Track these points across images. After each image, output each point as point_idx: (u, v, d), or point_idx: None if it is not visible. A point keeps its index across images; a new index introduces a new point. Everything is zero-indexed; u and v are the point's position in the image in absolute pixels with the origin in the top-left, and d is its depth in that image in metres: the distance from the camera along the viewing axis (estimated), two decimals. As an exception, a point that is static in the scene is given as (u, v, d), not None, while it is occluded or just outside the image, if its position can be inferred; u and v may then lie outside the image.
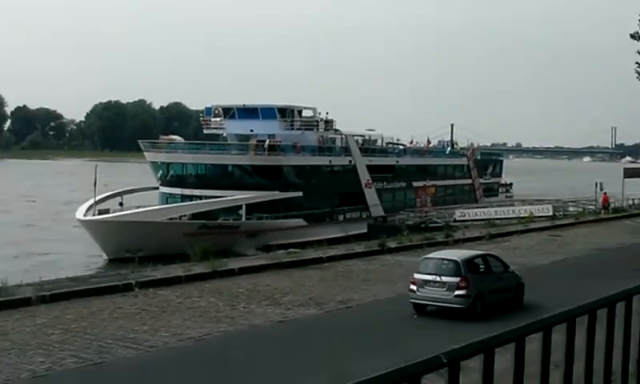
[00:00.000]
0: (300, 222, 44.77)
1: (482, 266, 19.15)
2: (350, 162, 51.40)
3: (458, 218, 50.26)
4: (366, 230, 45.77)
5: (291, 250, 29.26)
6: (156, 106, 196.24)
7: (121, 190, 47.03)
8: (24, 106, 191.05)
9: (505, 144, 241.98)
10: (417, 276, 18.39)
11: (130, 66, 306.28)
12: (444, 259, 19.05)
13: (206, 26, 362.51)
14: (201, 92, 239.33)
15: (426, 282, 18.12)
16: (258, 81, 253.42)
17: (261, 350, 15.11)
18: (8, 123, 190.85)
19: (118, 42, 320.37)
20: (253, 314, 18.03)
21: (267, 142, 46.82)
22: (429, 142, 70.58)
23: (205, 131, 53.90)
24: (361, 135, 57.34)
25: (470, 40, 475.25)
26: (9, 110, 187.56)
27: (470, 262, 18.85)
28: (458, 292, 17.68)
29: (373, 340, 15.47)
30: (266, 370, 13.40)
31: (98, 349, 14.61)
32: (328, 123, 52.67)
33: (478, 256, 20.00)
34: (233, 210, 43.39)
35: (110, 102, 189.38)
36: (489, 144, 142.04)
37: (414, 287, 18.23)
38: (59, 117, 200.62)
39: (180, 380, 13.06)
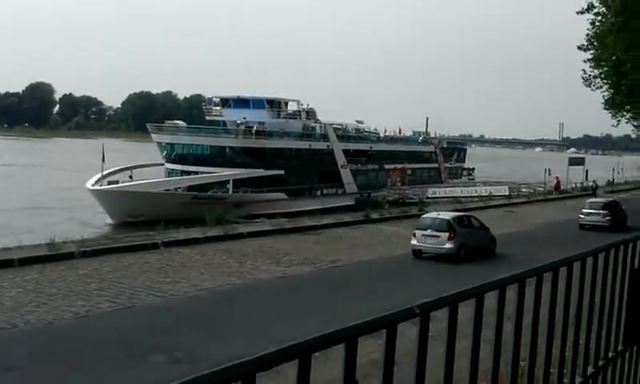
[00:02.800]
0: (281, 195, 45.01)
1: (466, 223, 21.50)
2: (328, 146, 51.72)
3: (429, 196, 50.46)
4: (349, 203, 46.21)
5: (284, 219, 29.25)
6: (180, 96, 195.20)
7: (131, 165, 46.98)
8: (70, 93, 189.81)
9: (470, 135, 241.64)
10: (416, 231, 20.71)
11: (160, 60, 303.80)
12: (437, 218, 21.25)
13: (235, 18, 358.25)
14: (223, 83, 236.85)
15: (424, 234, 20.36)
16: (276, 74, 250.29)
17: (264, 299, 15.19)
18: (57, 108, 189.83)
19: (153, 43, 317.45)
20: (258, 270, 18.10)
21: (255, 127, 47.16)
22: (400, 131, 70.92)
23: (207, 118, 54.13)
24: (339, 124, 57.85)
25: (442, 42, 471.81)
26: (57, 96, 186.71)
27: (456, 219, 21.26)
28: (447, 242, 19.90)
29: (355, 292, 15.55)
30: (267, 315, 13.46)
31: (130, 295, 14.66)
32: (309, 113, 53.43)
33: (462, 216, 22.58)
34: (222, 184, 43.59)
35: (143, 92, 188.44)
36: (457, 135, 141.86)
37: (414, 239, 20.48)
38: (100, 103, 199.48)
39: (196, 320, 13.12)
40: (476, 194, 50.13)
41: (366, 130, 63.52)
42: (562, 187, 53.75)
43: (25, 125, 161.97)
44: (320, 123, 53.96)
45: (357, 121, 64.09)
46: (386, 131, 68.73)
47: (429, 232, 20.35)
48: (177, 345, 11.25)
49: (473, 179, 69.71)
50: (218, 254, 19.99)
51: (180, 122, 54.50)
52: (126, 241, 20.94)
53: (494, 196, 48.14)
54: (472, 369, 2.73)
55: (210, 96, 55.97)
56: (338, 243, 23.37)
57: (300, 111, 53.29)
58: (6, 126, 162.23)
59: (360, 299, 14.55)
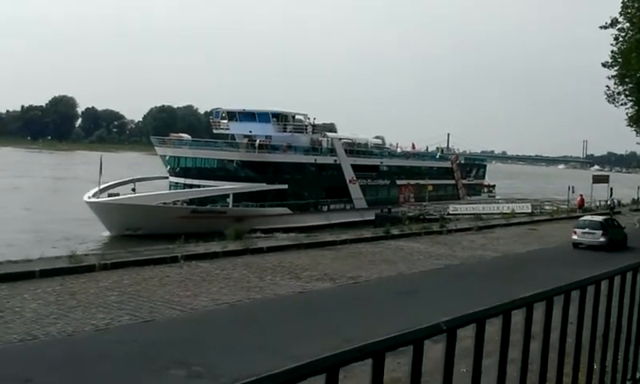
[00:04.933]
0: (284, 210, 44.49)
1: (611, 223, 29.63)
2: (335, 161, 51.10)
3: (450, 212, 50.08)
4: (357, 219, 45.87)
5: (302, 234, 29.27)
6: (201, 110, 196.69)
7: (134, 178, 46.96)
8: (92, 107, 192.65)
9: (492, 151, 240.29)
10: (576, 229, 28.68)
11: (183, 74, 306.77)
12: (592, 220, 29.92)
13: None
14: (246, 98, 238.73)
15: (583, 232, 28.32)
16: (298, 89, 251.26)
17: (283, 314, 15.13)
18: (79, 121, 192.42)
19: (175, 57, 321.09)
20: (277, 285, 18.06)
21: (257, 141, 46.93)
22: (413, 146, 70.22)
23: (214, 131, 53.82)
24: (348, 139, 57.47)
25: (465, 56, 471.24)
26: (80, 110, 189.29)
27: (605, 221, 29.88)
28: (601, 237, 27.57)
29: (375, 310, 15.45)
30: (286, 331, 13.42)
31: (149, 309, 14.71)
32: (315, 127, 53.07)
33: (608, 219, 31.51)
34: (223, 198, 43.24)
35: (164, 106, 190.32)
36: (479, 151, 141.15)
37: (574, 235, 28.43)
38: (121, 117, 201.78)
39: (215, 335, 13.12)
40: (498, 211, 49.73)
41: (376, 144, 63.11)
42: (585, 205, 53.13)
43: (48, 138, 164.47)
44: (327, 138, 53.59)
45: (376, 137, 63.88)
46: (398, 146, 68.34)
47: (587, 230, 28.05)
48: (196, 359, 11.25)
49: (494, 196, 68.82)
50: (238, 269, 20.01)
51: (185, 135, 54.48)
52: (145, 254, 21.04)
53: (516, 213, 47.69)
54: (498, 388, 2.69)
55: (218, 109, 56.02)
56: (357, 259, 23.27)
57: (306, 125, 52.73)
58: (29, 138, 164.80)
59: (379, 315, 14.46)
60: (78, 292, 15.80)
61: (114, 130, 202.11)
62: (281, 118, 50.95)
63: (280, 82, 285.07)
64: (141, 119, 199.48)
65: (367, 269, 21.38)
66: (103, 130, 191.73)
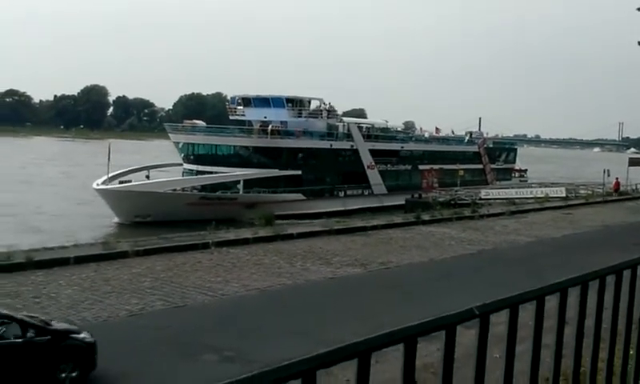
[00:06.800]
0: (298, 196, 44.16)
1: None
2: (352, 146, 50.45)
3: (483, 197, 49.52)
4: (376, 205, 45.17)
5: (337, 219, 29.28)
6: (229, 97, 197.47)
7: (148, 165, 46.87)
8: (123, 96, 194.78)
9: (525, 135, 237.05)
10: None
11: (212, 62, 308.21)
12: None
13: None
14: (275, 84, 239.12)
15: None
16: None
17: (314, 300, 15.21)
18: (110, 110, 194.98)
19: (205, 46, 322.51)
20: (308, 271, 18.14)
21: (270, 127, 46.49)
22: (437, 130, 69.06)
23: (230, 117, 53.46)
24: (368, 123, 56.53)
25: (496, 42, 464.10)
26: (111, 99, 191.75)
27: None
28: None
29: (407, 296, 15.44)
30: (317, 316, 13.49)
31: (182, 294, 14.93)
32: (330, 112, 52.34)
33: None
34: (235, 185, 43.13)
35: (193, 93, 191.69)
36: (511, 135, 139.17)
37: None
38: (152, 105, 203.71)
39: (246, 320, 13.26)
40: (531, 196, 49.02)
41: (398, 128, 62.19)
42: (621, 189, 52.11)
43: (80, 127, 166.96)
44: (344, 122, 52.83)
45: (406, 122, 63.39)
46: (422, 130, 67.29)
47: None
48: (228, 344, 11.40)
49: (525, 181, 67.60)
50: (269, 255, 20.14)
51: (199, 122, 54.23)
52: (177, 240, 21.32)
53: (550, 197, 46.99)
54: (532, 374, 2.67)
55: (234, 95, 55.85)
56: (387, 245, 23.22)
57: (321, 110, 52.01)
58: (62, 127, 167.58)
59: (409, 300, 14.44)
60: (111, 278, 16.10)
61: (145, 118, 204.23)
62: (295, 103, 50.32)
63: (313, 69, 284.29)
64: (171, 107, 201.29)
65: (398, 254, 21.33)
66: (134, 118, 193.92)
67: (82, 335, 10.11)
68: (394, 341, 1.74)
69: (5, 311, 9.77)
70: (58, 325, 10.36)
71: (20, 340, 9.19)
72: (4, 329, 9.22)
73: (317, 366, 1.50)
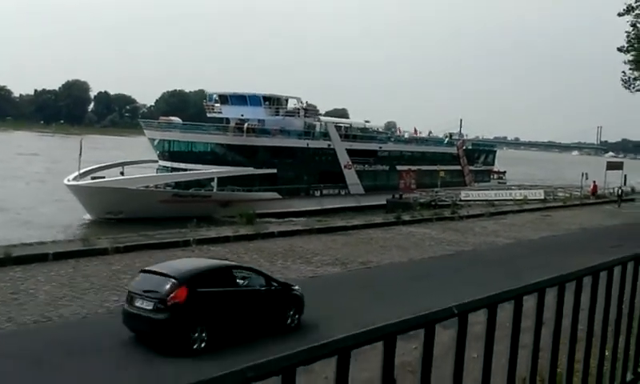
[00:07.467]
0: (273, 195, 43.89)
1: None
2: (329, 145, 50.28)
3: (462, 198, 49.83)
4: (353, 205, 44.96)
5: (318, 218, 29.33)
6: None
7: (122, 161, 46.28)
8: (105, 91, 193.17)
9: (505, 138, 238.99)
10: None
11: (197, 60, 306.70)
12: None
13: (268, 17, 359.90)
14: (259, 83, 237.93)
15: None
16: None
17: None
18: (91, 105, 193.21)
19: (188, 42, 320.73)
20: (289, 270, 18.14)
21: (246, 125, 46.32)
22: (416, 131, 69.17)
23: (208, 115, 52.93)
24: (346, 123, 56.28)
25: (478, 43, 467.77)
26: (92, 94, 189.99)
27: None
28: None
29: (386, 295, 15.49)
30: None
31: (161, 292, 14.80)
32: (308, 111, 52.13)
33: None
34: (209, 182, 42.71)
35: (175, 90, 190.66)
36: (492, 137, 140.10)
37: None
38: (134, 101, 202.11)
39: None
40: (510, 198, 49.45)
41: (376, 129, 62.09)
42: (599, 192, 52.77)
43: (60, 122, 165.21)
44: (321, 122, 52.51)
45: (388, 122, 63.29)
46: (399, 131, 67.20)
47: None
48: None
49: (504, 183, 67.91)
50: (249, 253, 20.11)
51: (175, 119, 53.63)
52: (158, 237, 21.20)
53: (529, 200, 47.43)
54: (509, 374, 2.69)
55: (211, 93, 55.43)
56: (368, 245, 23.30)
57: (299, 109, 51.65)
58: (42, 122, 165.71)
59: (388, 299, 14.50)
60: (90, 275, 15.96)
61: (127, 114, 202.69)
62: (273, 102, 49.99)
63: (297, 68, 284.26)
64: (153, 104, 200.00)
65: (378, 254, 21.41)
66: (116, 114, 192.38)
67: (297, 287, 13.54)
68: (373, 339, 1.75)
69: (255, 267, 14.54)
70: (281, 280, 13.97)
71: (263, 288, 12.67)
72: (250, 279, 12.65)
73: (297, 363, 1.50)
